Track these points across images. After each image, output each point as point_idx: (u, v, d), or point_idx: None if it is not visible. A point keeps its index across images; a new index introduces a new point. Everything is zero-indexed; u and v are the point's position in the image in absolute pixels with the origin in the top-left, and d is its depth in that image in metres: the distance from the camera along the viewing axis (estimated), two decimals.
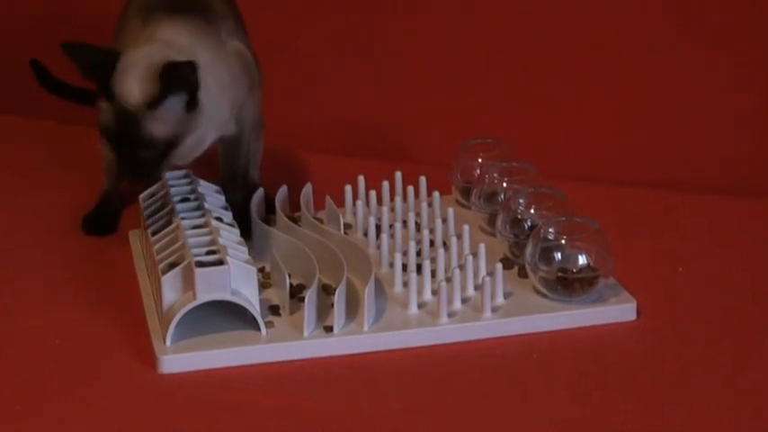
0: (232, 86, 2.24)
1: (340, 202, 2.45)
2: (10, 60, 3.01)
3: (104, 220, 2.45)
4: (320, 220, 2.40)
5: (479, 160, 2.48)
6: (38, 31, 3.04)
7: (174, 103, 2.10)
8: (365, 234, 2.38)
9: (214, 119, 2.20)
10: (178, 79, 2.08)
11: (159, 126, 2.10)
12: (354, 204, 2.43)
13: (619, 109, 2.78)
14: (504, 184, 2.38)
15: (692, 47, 2.74)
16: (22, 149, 2.88)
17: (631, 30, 2.77)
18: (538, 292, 2.17)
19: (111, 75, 2.10)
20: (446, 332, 2.09)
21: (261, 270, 2.22)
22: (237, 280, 2.05)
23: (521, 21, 2.83)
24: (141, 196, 2.33)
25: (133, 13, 2.29)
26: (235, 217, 2.27)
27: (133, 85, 2.09)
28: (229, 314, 2.07)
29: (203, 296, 2.03)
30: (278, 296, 2.16)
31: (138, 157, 2.11)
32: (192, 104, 2.12)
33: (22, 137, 2.94)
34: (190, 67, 2.08)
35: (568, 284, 2.14)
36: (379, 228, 2.36)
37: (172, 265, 2.08)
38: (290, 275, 2.15)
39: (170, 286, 2.05)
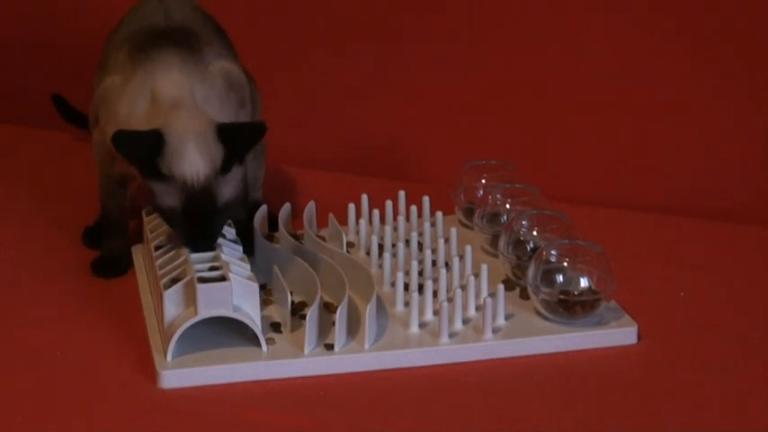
0: (221, 106, 2.23)
1: (344, 221, 2.45)
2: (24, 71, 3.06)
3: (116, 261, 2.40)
4: (323, 238, 2.40)
5: (483, 181, 2.48)
6: (55, 45, 3.06)
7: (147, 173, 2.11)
8: (368, 253, 2.38)
9: None
10: (250, 140, 2.12)
11: (229, 189, 2.13)
12: (357, 223, 2.44)
13: (624, 133, 2.77)
14: (508, 206, 2.38)
15: (697, 72, 2.74)
16: (31, 160, 2.89)
17: (637, 54, 2.77)
18: (539, 314, 2.17)
19: (159, 155, 2.09)
20: (447, 352, 2.09)
21: (263, 287, 2.23)
22: (239, 296, 2.05)
23: (527, 42, 2.83)
24: (144, 211, 2.33)
25: (116, 45, 2.29)
26: (237, 234, 2.27)
27: (197, 158, 2.10)
28: (231, 330, 2.07)
29: (205, 312, 2.03)
30: (279, 313, 2.17)
31: (212, 226, 2.13)
32: (158, 174, 2.11)
33: (31, 148, 2.96)
34: (261, 127, 2.12)
35: (570, 307, 2.14)
36: (381, 247, 2.37)
37: (174, 281, 2.08)
38: (291, 293, 2.15)
39: (172, 301, 2.05)
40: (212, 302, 2.03)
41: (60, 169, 2.81)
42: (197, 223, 2.12)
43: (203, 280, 2.04)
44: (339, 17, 2.91)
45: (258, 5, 2.94)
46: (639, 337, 2.13)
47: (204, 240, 2.13)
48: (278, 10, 2.93)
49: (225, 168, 2.11)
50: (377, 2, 2.89)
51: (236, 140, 2.12)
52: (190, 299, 2.04)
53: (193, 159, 2.09)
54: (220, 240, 2.18)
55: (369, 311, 2.07)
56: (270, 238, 2.40)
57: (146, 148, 2.09)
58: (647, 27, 2.76)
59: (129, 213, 2.39)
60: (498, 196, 2.40)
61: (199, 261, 2.10)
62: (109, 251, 2.38)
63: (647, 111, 2.76)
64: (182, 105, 2.15)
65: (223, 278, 2.05)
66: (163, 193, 2.11)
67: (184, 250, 2.14)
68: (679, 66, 2.74)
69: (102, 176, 2.37)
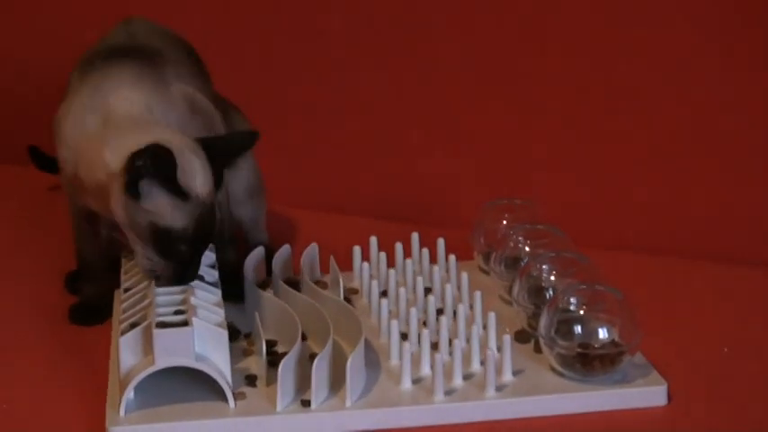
0: (182, 129, 2.05)
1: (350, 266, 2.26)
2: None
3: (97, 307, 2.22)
4: (325, 284, 2.20)
5: (504, 222, 2.24)
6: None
7: (150, 193, 1.93)
8: (370, 299, 2.15)
9: None
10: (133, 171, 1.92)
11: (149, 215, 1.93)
12: (361, 267, 2.21)
13: (654, 177, 2.54)
14: (527, 249, 2.13)
15: (732, 116, 2.50)
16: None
17: (662, 97, 2.54)
18: (554, 369, 1.92)
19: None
20: (442, 411, 1.86)
21: (247, 336, 2.04)
22: (205, 344, 1.84)
23: (552, 81, 2.62)
24: (124, 252, 2.13)
25: (74, 71, 2.15)
26: (226, 277, 2.06)
27: (206, 174, 1.99)
28: (199, 383, 1.86)
29: (162, 361, 1.81)
30: (259, 365, 1.94)
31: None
32: (176, 190, 1.93)
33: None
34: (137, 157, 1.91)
35: (588, 362, 1.88)
36: (385, 293, 2.14)
37: (133, 326, 1.87)
38: (274, 343, 1.95)
39: (128, 349, 1.84)
40: (171, 350, 1.81)
41: (35, 217, 2.68)
42: (205, 243, 1.97)
43: (163, 325, 1.82)
44: (350, 54, 2.76)
45: (267, 45, 2.78)
46: (669, 398, 1.90)
47: (193, 269, 1.96)
48: (287, 48, 2.79)
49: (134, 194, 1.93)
50: (389, 39, 2.72)
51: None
52: (149, 346, 1.83)
53: (205, 175, 1.96)
54: (196, 282, 1.97)
55: (350, 363, 1.83)
56: (268, 283, 2.19)
57: (165, 164, 1.92)
58: (675, 69, 2.53)
59: (106, 257, 2.19)
60: (519, 239, 2.15)
61: (164, 304, 1.90)
62: (87, 297, 2.20)
63: (680, 152, 2.53)
64: (147, 122, 2.00)
65: (185, 323, 1.82)
66: (172, 215, 1.93)
67: (152, 292, 1.92)
68: (704, 111, 2.52)
69: (72, 214, 2.19)
